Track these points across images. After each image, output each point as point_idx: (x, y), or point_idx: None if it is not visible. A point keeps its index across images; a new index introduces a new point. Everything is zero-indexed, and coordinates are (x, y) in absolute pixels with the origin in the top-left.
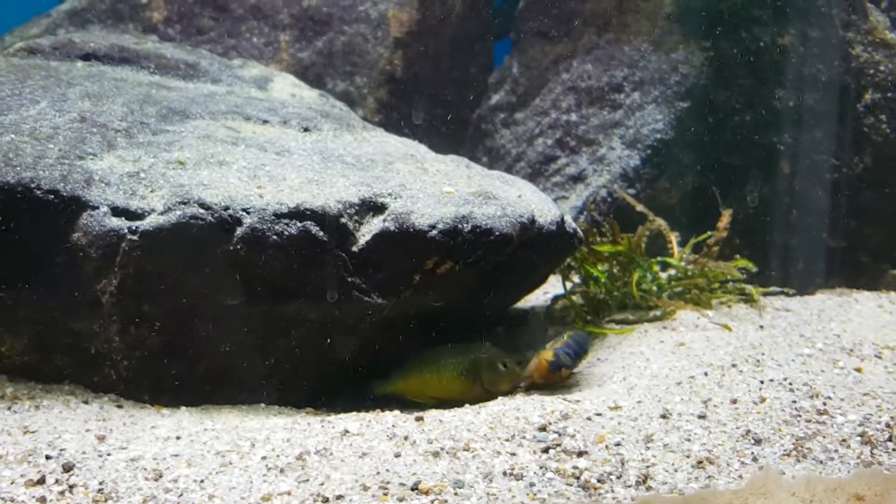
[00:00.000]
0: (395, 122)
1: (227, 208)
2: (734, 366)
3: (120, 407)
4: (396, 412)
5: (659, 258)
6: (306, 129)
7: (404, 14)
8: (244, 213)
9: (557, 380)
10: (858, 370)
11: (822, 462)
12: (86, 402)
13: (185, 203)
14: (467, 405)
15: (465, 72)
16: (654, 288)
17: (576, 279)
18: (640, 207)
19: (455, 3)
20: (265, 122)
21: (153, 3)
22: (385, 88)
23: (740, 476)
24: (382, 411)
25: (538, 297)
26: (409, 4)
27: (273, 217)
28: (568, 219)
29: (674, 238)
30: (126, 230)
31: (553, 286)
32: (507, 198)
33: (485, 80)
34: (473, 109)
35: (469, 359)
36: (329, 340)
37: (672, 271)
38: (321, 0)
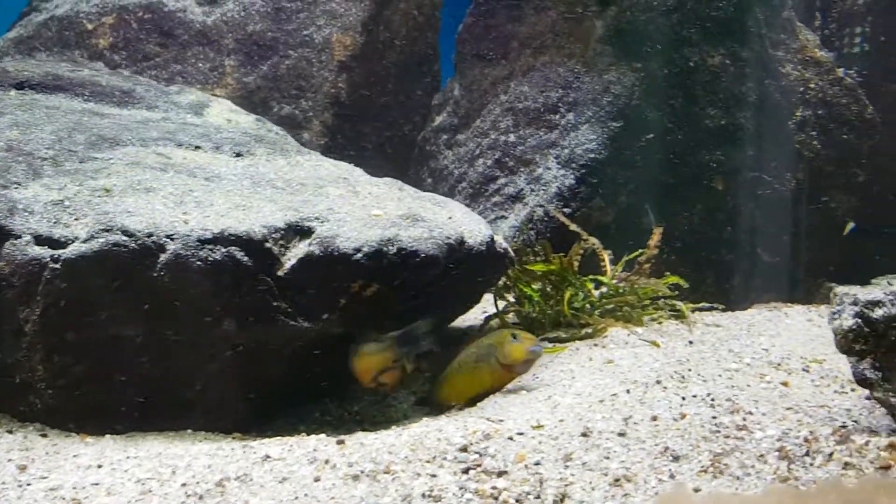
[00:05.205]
0: (340, 146)
1: (150, 235)
2: (658, 382)
3: (44, 436)
4: (321, 436)
5: (591, 276)
6: (238, 154)
7: (348, 38)
8: (168, 240)
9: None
10: (785, 384)
11: (738, 478)
12: (10, 432)
13: (108, 230)
14: (393, 427)
15: (410, 94)
16: (587, 306)
17: (510, 298)
18: (573, 227)
19: (400, 27)
20: (197, 147)
21: (99, 30)
22: (330, 111)
23: (657, 493)
24: (308, 435)
25: (476, 317)
26: (353, 28)
27: (197, 243)
28: (499, 239)
29: (606, 256)
30: (48, 258)
31: (492, 305)
32: (435, 220)
33: (430, 102)
34: (419, 131)
35: (481, 344)
36: (256, 365)
37: (605, 289)
38: (266, 25)
